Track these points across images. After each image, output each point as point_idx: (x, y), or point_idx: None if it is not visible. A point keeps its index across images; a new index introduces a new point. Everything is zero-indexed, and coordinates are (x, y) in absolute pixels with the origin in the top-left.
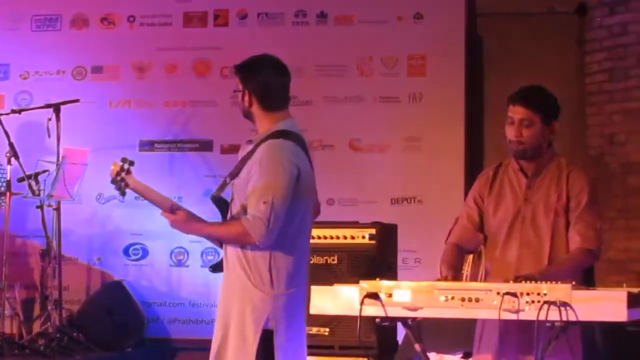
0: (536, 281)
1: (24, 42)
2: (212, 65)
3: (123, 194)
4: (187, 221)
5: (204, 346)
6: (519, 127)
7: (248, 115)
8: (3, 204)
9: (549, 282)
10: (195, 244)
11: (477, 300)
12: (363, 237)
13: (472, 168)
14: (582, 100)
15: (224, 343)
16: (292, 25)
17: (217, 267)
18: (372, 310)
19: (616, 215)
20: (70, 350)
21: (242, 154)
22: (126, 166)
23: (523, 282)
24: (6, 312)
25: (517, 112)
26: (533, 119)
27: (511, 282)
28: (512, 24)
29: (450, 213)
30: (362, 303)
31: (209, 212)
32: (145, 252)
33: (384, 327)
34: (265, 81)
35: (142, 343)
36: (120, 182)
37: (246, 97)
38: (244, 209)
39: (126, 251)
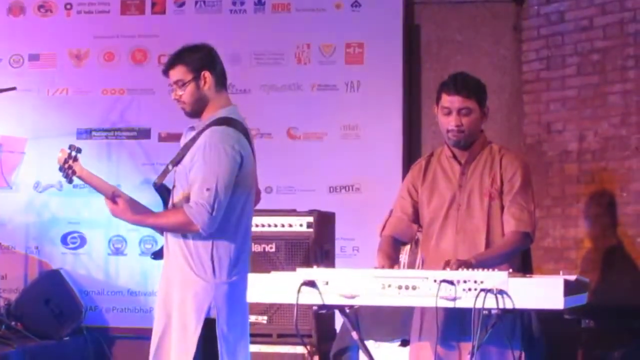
0: (472, 266)
1: None
2: (150, 53)
3: (70, 181)
4: (126, 211)
5: (142, 335)
6: (458, 116)
7: (201, 101)
8: None
9: (485, 270)
10: (133, 232)
11: (414, 287)
12: (301, 225)
13: (410, 156)
14: (519, 88)
15: (165, 332)
16: (229, 13)
17: (158, 255)
18: (309, 298)
19: (552, 203)
20: (8, 339)
21: (184, 140)
22: (74, 153)
23: (460, 268)
24: None
25: (454, 102)
26: (471, 107)
27: (448, 269)
28: (449, 12)
29: (388, 201)
30: (299, 291)
31: (148, 200)
32: (83, 241)
33: (322, 315)
34: (219, 61)
35: (80, 332)
36: (67, 169)
37: (201, 81)
38: (186, 197)
39: (64, 240)
